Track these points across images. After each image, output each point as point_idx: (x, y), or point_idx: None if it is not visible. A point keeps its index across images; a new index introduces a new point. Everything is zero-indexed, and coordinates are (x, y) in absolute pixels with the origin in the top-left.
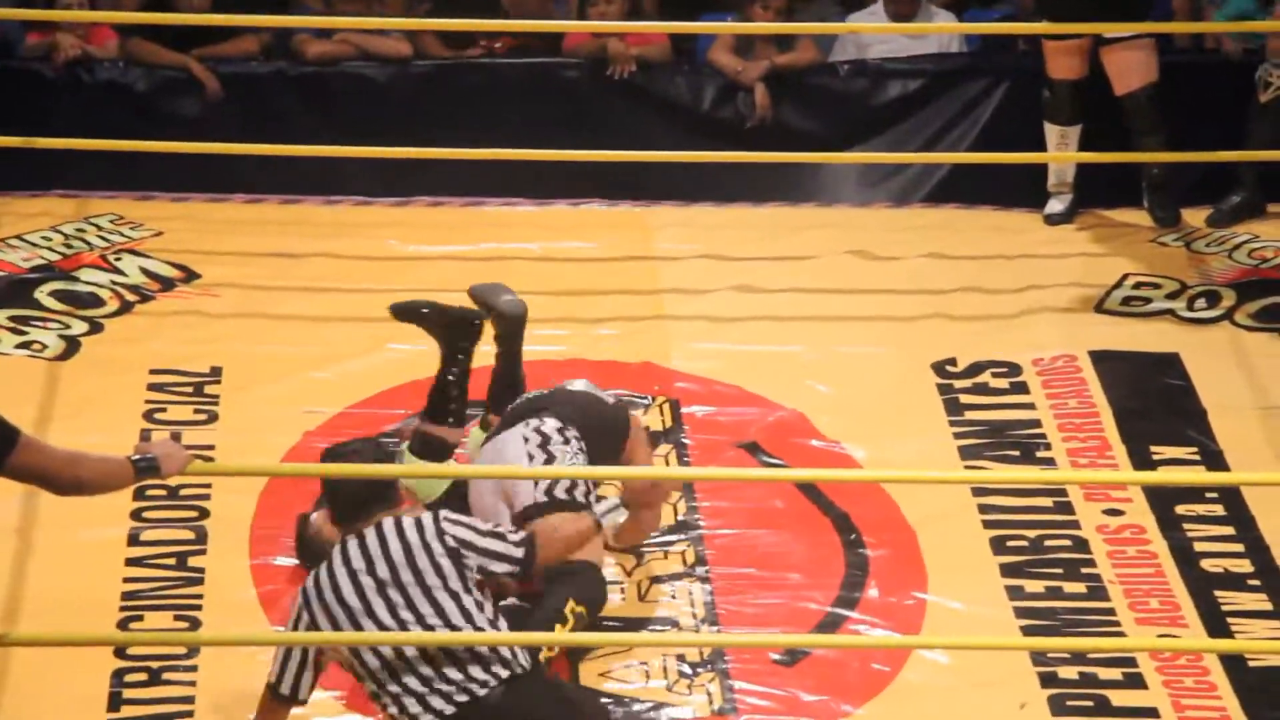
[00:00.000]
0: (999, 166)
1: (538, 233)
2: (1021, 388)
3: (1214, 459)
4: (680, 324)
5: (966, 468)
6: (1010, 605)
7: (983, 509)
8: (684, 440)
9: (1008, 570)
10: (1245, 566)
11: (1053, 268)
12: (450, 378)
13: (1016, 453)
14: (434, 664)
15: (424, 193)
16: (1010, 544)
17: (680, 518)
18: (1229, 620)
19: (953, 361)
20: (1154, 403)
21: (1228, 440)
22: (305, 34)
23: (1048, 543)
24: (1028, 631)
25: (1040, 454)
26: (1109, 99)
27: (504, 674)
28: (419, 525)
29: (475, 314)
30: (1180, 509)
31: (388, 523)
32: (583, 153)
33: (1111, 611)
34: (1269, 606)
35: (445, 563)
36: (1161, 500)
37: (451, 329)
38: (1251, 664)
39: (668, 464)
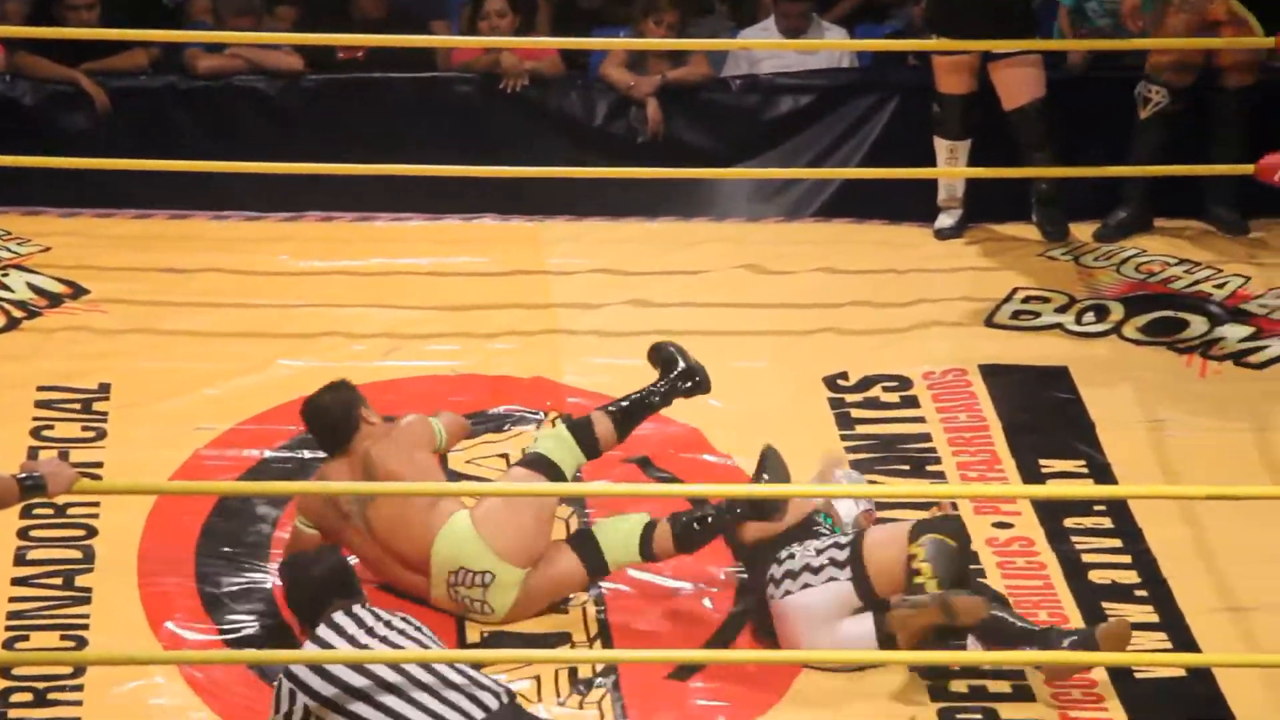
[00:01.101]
0: (889, 181)
1: (430, 248)
2: (912, 401)
3: (1102, 472)
4: (572, 338)
5: None
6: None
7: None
8: None
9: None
10: (1132, 578)
11: (943, 282)
12: (651, 400)
13: (907, 466)
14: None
15: (315, 208)
16: None
17: (572, 533)
18: None
19: (844, 375)
20: (1043, 416)
21: (1116, 453)
22: (195, 48)
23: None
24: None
25: (930, 467)
26: (998, 114)
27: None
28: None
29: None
30: (1069, 522)
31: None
32: (475, 168)
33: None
34: (1155, 618)
35: None
36: (1050, 513)
37: (682, 374)
38: (1138, 675)
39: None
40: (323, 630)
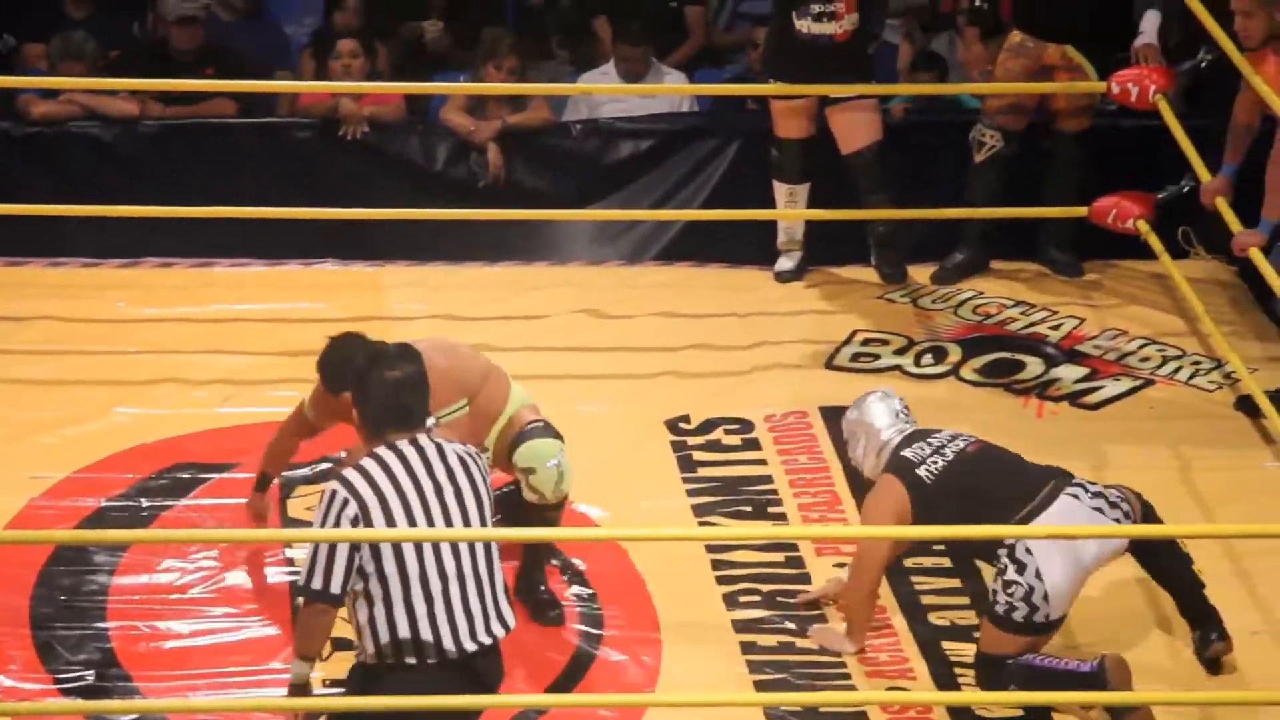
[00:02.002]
0: (730, 225)
1: (269, 293)
2: (753, 444)
3: None
4: None
5: (700, 524)
6: (744, 660)
7: (716, 565)
8: None
9: (741, 626)
10: (970, 618)
11: (783, 325)
12: None
13: (749, 509)
14: (464, 598)
15: (153, 254)
16: (744, 599)
17: None
18: (957, 672)
19: (686, 419)
20: None
21: None
22: (30, 94)
23: (780, 598)
24: (761, 686)
25: (772, 509)
26: (836, 158)
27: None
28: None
29: None
30: (908, 562)
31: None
32: (314, 211)
33: (843, 665)
34: None
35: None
36: None
37: None
38: (979, 714)
39: None
40: (382, 450)
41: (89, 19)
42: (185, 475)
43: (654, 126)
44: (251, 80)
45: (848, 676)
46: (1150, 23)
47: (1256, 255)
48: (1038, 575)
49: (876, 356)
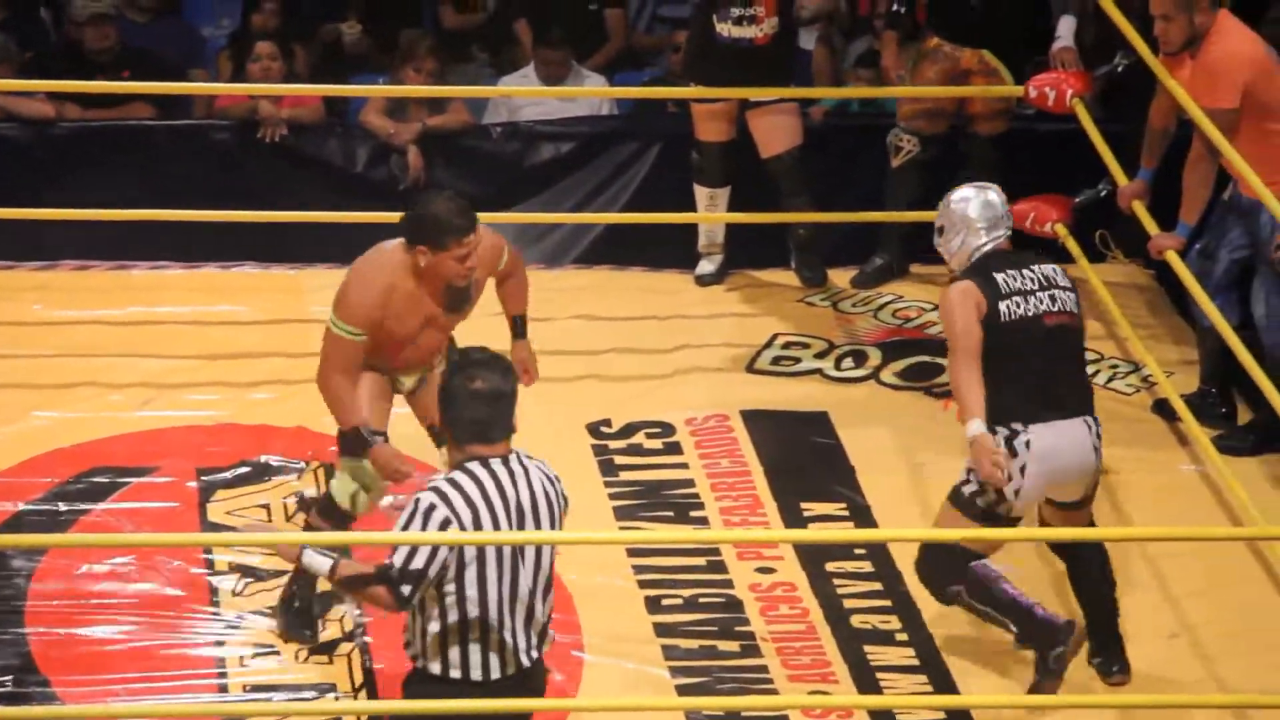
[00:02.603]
0: (650, 228)
1: (189, 296)
2: (675, 448)
3: (862, 515)
4: None
5: (621, 528)
6: (666, 665)
7: (637, 569)
8: None
9: (663, 630)
10: (893, 623)
11: (704, 328)
12: None
13: (670, 512)
14: (528, 617)
15: (70, 256)
16: (665, 603)
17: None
18: (878, 675)
19: (607, 423)
20: (804, 460)
21: (875, 496)
22: None
23: (702, 601)
24: (683, 690)
25: (694, 513)
26: (757, 161)
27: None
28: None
29: None
30: (830, 566)
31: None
32: (233, 213)
33: (765, 669)
34: (916, 661)
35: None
36: (812, 557)
37: None
38: (900, 718)
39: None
40: (474, 466)
41: (5, 21)
42: (103, 480)
43: (574, 129)
44: (168, 82)
45: (770, 680)
46: (1066, 27)
47: (1173, 258)
48: (1022, 472)
49: (797, 360)
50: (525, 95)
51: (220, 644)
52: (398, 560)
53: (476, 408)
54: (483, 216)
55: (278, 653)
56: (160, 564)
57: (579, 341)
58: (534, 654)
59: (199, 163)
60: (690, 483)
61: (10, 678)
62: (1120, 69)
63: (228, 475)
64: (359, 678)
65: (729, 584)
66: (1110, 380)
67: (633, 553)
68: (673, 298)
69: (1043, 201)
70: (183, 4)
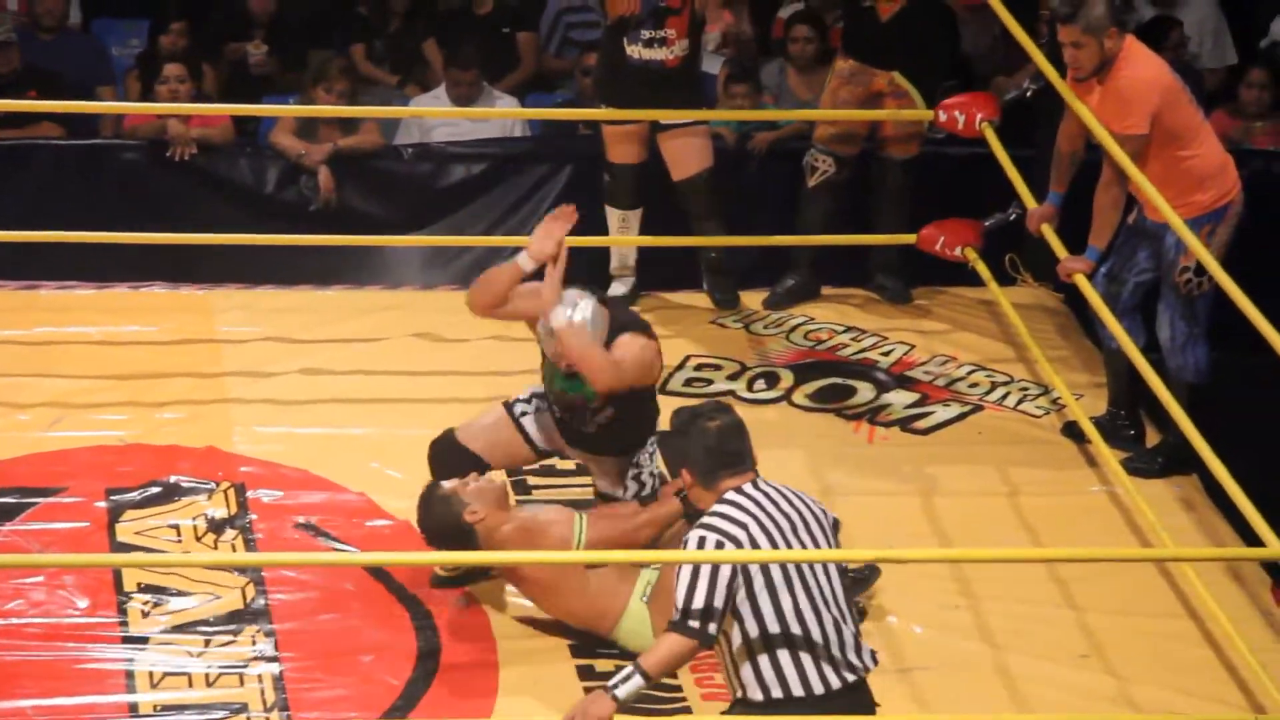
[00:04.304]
0: None
1: (97, 316)
2: (585, 469)
3: None
4: (244, 407)
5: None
6: (581, 685)
7: None
8: (250, 525)
9: (578, 650)
10: None
11: None
12: None
13: None
14: (836, 629)
15: None
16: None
17: (249, 602)
18: None
19: None
20: None
21: None
22: None
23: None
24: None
25: None
26: (668, 183)
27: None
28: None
29: None
30: None
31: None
32: (142, 235)
33: (679, 689)
34: None
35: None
36: None
37: None
38: None
39: (234, 549)
40: (731, 495)
41: None
42: (11, 500)
43: (486, 150)
44: (75, 101)
45: (684, 700)
46: None
47: (1081, 281)
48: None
49: (710, 381)
50: (438, 115)
51: (130, 664)
52: (685, 603)
53: (726, 440)
54: (395, 239)
55: (188, 674)
56: (69, 585)
57: (491, 362)
58: (856, 663)
59: (108, 182)
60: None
61: None
62: (1029, 93)
63: (137, 495)
64: (270, 696)
65: None
66: (1020, 403)
67: None
68: None
69: (953, 225)
70: (89, 23)
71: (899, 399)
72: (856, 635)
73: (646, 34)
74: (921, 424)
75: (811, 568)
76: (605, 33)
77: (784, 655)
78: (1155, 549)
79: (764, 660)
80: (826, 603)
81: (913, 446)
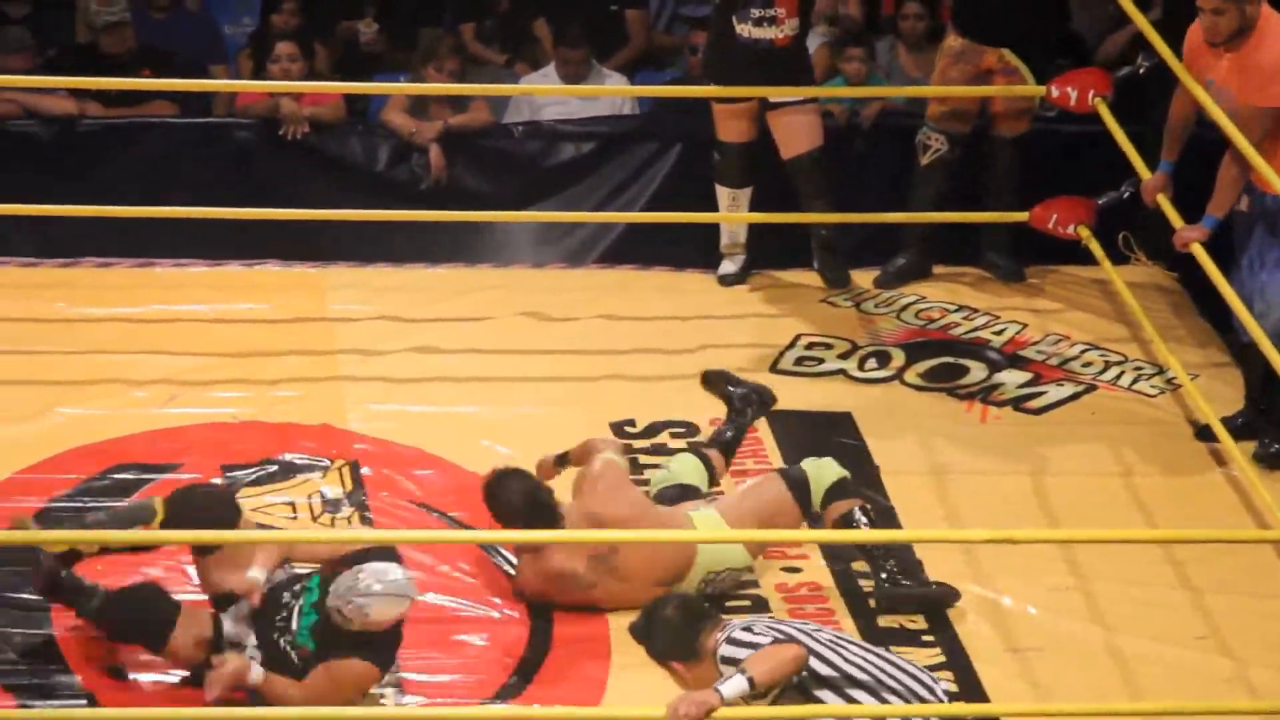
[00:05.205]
0: (672, 228)
1: (210, 294)
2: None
3: (886, 516)
4: (356, 385)
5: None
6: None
7: None
8: (365, 502)
9: None
10: (919, 623)
11: (727, 328)
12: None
13: None
14: None
15: (93, 254)
16: None
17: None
18: None
19: (631, 422)
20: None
21: (899, 498)
22: None
23: (729, 602)
24: None
25: None
26: (779, 161)
27: None
28: None
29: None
30: (856, 566)
31: None
32: (256, 211)
33: None
34: (942, 658)
35: None
36: (838, 557)
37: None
38: None
39: (350, 525)
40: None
41: (27, 17)
42: (128, 476)
43: (596, 129)
44: (189, 79)
45: None
46: None
47: (1198, 250)
48: None
49: (820, 360)
50: (547, 93)
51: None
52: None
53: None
54: (504, 216)
55: None
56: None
57: (602, 341)
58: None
59: (221, 161)
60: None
61: (34, 667)
62: (1141, 70)
63: (253, 473)
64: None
65: (755, 584)
66: (1134, 382)
67: None
68: (695, 298)
69: (1066, 203)
70: (203, 2)
71: (1011, 378)
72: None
73: (756, 12)
74: (1034, 404)
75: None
76: (714, 10)
77: None
78: (1273, 530)
79: None
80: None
81: (1025, 426)
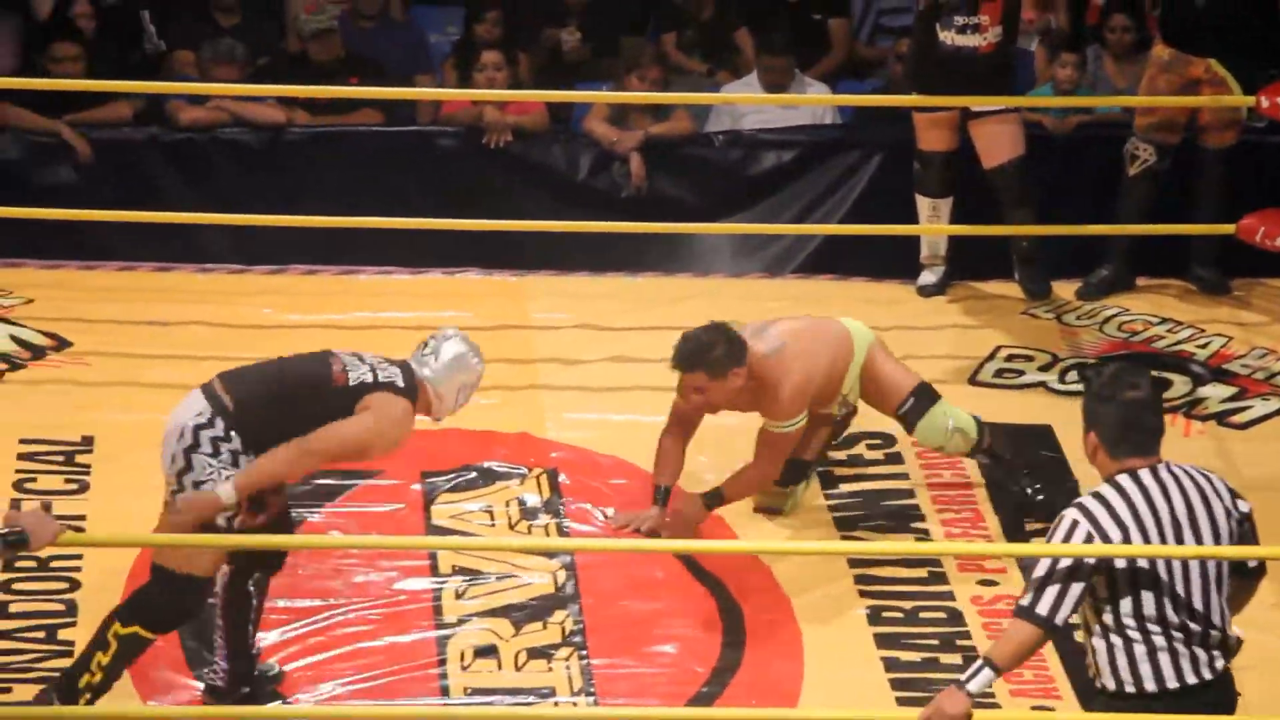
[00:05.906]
0: (872, 238)
1: (413, 302)
2: (896, 459)
3: None
4: (555, 394)
5: (842, 539)
6: (887, 677)
7: (859, 580)
8: (562, 510)
9: (883, 641)
10: None
11: (926, 339)
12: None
13: (891, 524)
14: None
15: (298, 261)
16: (886, 615)
17: (559, 587)
18: None
19: None
20: (1027, 474)
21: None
22: (178, 99)
23: (923, 614)
24: (903, 703)
25: (915, 525)
26: (980, 171)
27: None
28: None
29: None
30: None
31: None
32: (458, 221)
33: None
34: None
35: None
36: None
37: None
38: None
39: (547, 535)
40: (1122, 479)
41: (238, 26)
42: (331, 481)
43: (796, 138)
44: (394, 88)
45: (991, 694)
46: None
47: None
48: None
49: (1020, 373)
50: (747, 102)
51: (443, 645)
52: (1038, 589)
53: (1142, 417)
54: (705, 226)
55: (498, 657)
56: (385, 566)
57: None
58: (1217, 665)
59: (425, 169)
60: (911, 493)
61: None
62: None
63: (451, 479)
64: (578, 682)
65: (950, 596)
66: None
67: (854, 563)
68: (894, 308)
69: (1274, 215)
70: (410, 12)
71: (1216, 392)
72: (1224, 629)
73: (960, 20)
74: (1239, 418)
75: (1183, 568)
76: (918, 18)
77: (1139, 653)
78: None
79: (1120, 655)
80: (1186, 603)
81: (1230, 441)
